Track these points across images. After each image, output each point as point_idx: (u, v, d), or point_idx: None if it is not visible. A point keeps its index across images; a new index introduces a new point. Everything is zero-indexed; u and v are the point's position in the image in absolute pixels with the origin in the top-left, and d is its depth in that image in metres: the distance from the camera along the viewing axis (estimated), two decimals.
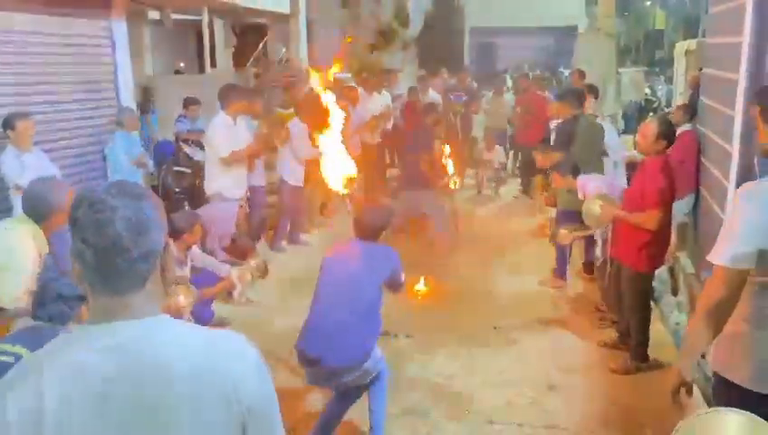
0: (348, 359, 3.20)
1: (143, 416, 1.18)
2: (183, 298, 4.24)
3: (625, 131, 13.46)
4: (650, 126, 4.07)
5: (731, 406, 2.06)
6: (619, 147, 6.46)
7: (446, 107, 9.89)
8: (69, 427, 1.15)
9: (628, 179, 5.54)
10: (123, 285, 1.22)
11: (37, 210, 3.16)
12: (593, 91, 7.91)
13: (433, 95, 10.05)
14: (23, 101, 5.66)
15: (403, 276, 3.54)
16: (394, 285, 3.51)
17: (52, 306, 2.49)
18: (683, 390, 2.26)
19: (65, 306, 2.48)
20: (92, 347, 1.19)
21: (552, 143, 6.09)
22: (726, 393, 2.23)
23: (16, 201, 5.25)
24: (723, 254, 2.10)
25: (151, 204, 1.26)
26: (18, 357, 2.31)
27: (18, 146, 5.18)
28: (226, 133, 5.70)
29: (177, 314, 4.46)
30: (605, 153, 6.55)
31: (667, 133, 4.01)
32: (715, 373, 2.32)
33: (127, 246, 1.20)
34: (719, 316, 2.15)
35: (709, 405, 2.51)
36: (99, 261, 1.20)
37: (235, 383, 1.24)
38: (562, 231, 5.53)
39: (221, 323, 4.98)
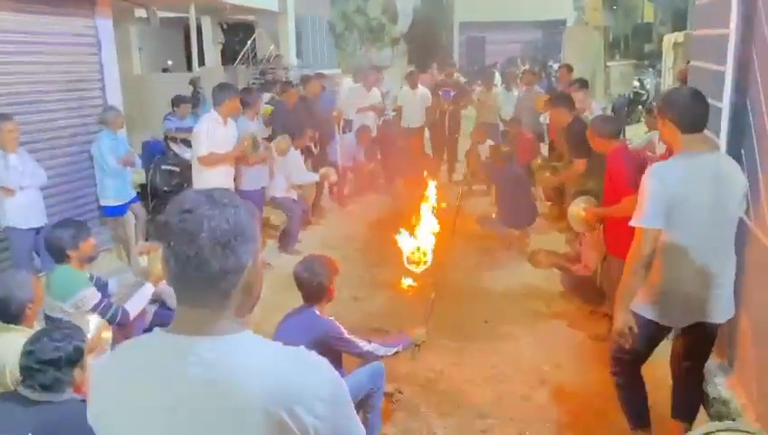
0: None
1: (213, 429, 1.19)
2: None
3: None
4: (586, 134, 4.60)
5: (644, 337, 2.91)
6: None
7: (435, 103, 9.89)
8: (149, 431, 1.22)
9: None
10: (201, 297, 1.21)
11: (9, 311, 3.03)
12: (583, 83, 7.94)
13: (423, 90, 10.03)
14: (5, 101, 5.58)
15: (369, 350, 3.25)
16: (359, 357, 3.29)
17: (41, 375, 2.29)
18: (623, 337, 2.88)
19: (58, 373, 2.30)
20: (179, 359, 1.21)
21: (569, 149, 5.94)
22: (643, 327, 2.91)
23: (2, 204, 5.21)
24: (642, 218, 2.79)
25: (243, 218, 1.22)
26: None
27: (2, 147, 5.12)
28: (211, 132, 5.60)
29: None
30: None
31: (599, 132, 4.39)
32: (634, 314, 2.93)
33: (207, 258, 1.17)
34: (644, 268, 2.81)
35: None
36: (179, 269, 1.19)
37: (307, 404, 1.21)
38: (540, 256, 5.48)
39: None
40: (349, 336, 3.20)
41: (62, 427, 2.24)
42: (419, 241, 3.99)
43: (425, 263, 3.92)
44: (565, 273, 5.42)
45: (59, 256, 3.80)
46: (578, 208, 4.68)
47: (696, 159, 2.80)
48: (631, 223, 2.82)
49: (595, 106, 7.55)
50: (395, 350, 3.40)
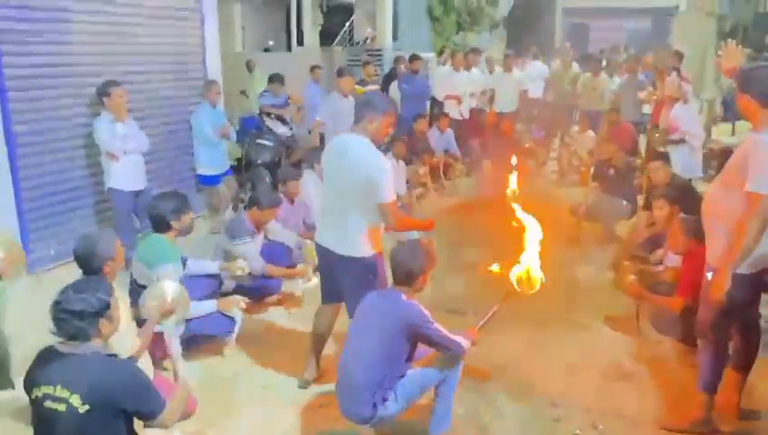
0: (352, 413, 3.11)
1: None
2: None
3: (724, 119, 12.63)
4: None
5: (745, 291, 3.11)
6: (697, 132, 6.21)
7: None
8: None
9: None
10: None
11: (92, 265, 3.23)
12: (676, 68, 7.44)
13: (518, 74, 9.79)
14: (114, 70, 5.90)
15: (454, 340, 3.14)
16: (440, 350, 3.17)
17: (68, 325, 2.40)
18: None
19: (82, 323, 2.40)
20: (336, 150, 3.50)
21: None
22: (743, 283, 3.06)
23: (107, 167, 5.54)
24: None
25: None
26: (67, 401, 2.30)
27: (113, 113, 5.39)
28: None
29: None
30: (683, 140, 6.25)
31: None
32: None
33: None
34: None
35: None
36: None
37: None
38: (624, 266, 4.89)
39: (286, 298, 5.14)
40: (435, 323, 3.10)
41: (85, 379, 2.35)
42: (530, 261, 3.63)
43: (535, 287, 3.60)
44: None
45: (160, 225, 3.99)
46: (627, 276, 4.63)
47: None
48: (757, 189, 2.88)
49: (687, 88, 7.01)
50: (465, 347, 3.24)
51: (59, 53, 5.54)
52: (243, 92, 9.95)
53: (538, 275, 3.47)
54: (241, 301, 4.21)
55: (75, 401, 2.31)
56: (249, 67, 10.45)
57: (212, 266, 4.47)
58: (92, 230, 3.78)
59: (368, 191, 3.35)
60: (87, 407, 2.31)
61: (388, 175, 3.37)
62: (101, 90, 5.41)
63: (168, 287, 3.52)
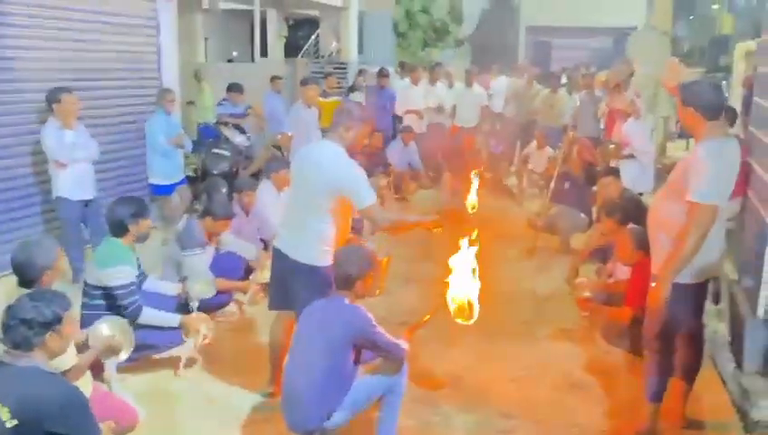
0: (298, 426, 3.04)
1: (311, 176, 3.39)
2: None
3: (680, 136, 12.96)
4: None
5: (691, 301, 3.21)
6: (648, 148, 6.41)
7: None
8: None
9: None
10: None
11: (27, 275, 3.11)
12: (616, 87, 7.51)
13: (478, 89, 9.88)
14: (66, 76, 5.77)
15: (396, 342, 3.11)
16: (381, 354, 3.14)
17: (15, 332, 2.32)
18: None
19: (29, 332, 2.32)
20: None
21: None
22: (686, 293, 3.13)
23: (55, 176, 5.38)
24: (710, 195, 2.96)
25: None
26: None
27: (62, 121, 5.25)
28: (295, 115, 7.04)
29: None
30: (632, 155, 6.37)
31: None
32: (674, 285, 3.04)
33: None
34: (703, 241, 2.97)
35: None
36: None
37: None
38: (581, 288, 4.70)
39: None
40: (378, 326, 3.06)
41: (17, 392, 2.24)
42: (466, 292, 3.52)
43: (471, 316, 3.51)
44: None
45: (118, 229, 3.90)
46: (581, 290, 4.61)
47: (728, 143, 3.10)
48: (697, 199, 2.93)
49: (640, 103, 7.09)
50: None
51: (6, 58, 5.38)
52: (191, 103, 9.77)
53: (474, 309, 3.40)
54: (206, 332, 4.09)
55: (4, 414, 2.18)
56: (197, 77, 10.29)
57: (172, 289, 4.37)
58: (32, 238, 3.63)
59: (336, 198, 3.35)
60: (15, 422, 2.19)
61: (363, 178, 3.38)
62: (51, 96, 5.26)
63: (116, 325, 3.48)
